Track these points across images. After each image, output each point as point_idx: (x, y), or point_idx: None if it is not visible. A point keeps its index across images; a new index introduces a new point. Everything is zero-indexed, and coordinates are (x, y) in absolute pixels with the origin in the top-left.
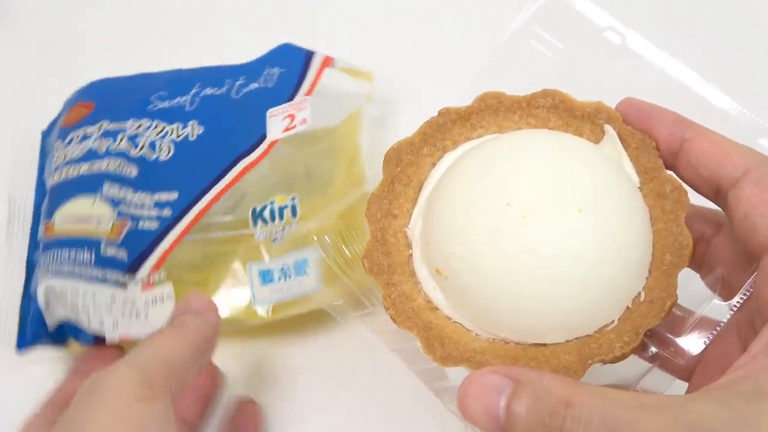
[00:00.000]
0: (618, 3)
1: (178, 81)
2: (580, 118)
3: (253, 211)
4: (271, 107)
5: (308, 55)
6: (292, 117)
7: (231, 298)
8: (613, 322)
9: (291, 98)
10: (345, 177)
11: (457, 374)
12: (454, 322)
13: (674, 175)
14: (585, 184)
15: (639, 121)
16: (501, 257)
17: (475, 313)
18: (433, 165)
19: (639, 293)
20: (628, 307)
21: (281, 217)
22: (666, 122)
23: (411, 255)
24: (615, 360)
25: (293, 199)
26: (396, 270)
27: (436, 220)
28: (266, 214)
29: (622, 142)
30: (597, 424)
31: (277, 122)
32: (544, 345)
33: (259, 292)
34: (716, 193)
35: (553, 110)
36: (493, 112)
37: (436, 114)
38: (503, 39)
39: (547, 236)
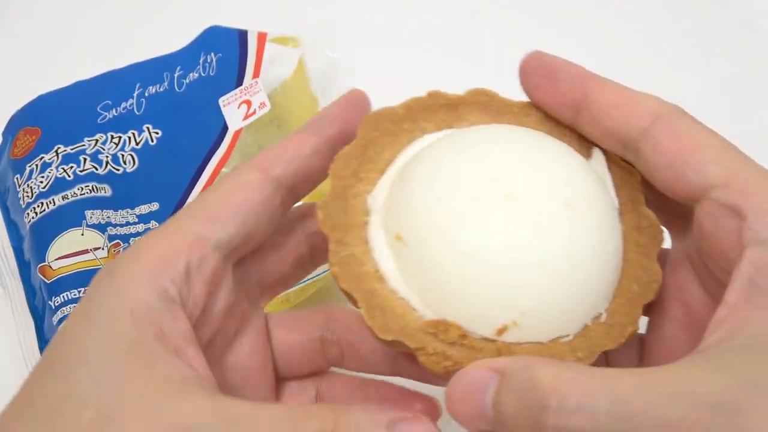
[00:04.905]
0: None
1: (116, 84)
2: (568, 136)
3: None
4: (220, 96)
5: (242, 36)
6: (248, 103)
7: None
8: (569, 335)
9: (239, 83)
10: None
11: None
12: (400, 297)
13: (652, 213)
14: (575, 183)
15: (542, 76)
16: (474, 231)
17: (427, 287)
18: (410, 142)
19: (600, 314)
20: (586, 325)
21: None
22: (569, 76)
23: (367, 222)
24: None
25: None
26: (350, 231)
27: (410, 184)
28: None
29: (609, 171)
30: (605, 415)
31: (233, 110)
32: (492, 341)
33: None
34: (624, 146)
35: (544, 122)
36: (483, 107)
37: (425, 95)
38: None
39: (527, 221)
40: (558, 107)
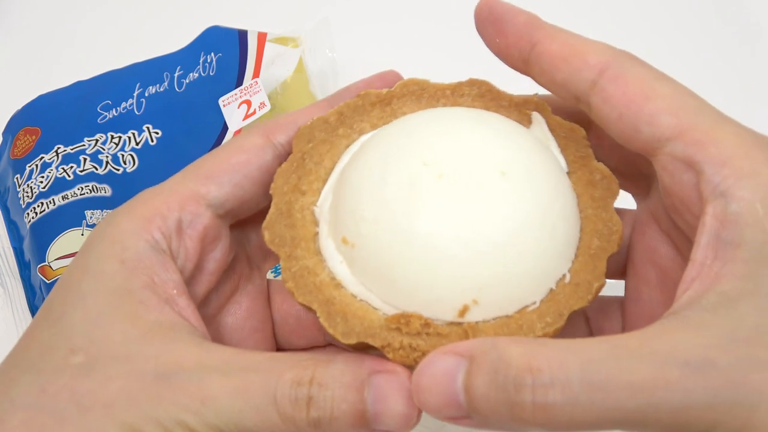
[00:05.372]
0: None
1: (116, 84)
2: (506, 108)
3: None
4: (220, 96)
5: (242, 36)
6: (248, 103)
7: None
8: (534, 303)
9: (239, 83)
10: None
11: None
12: (360, 300)
13: (604, 165)
14: (509, 149)
15: (491, 24)
16: (413, 218)
17: (383, 285)
18: (348, 146)
19: (564, 275)
20: (551, 289)
21: None
22: (516, 24)
23: (317, 233)
24: None
25: None
26: (299, 244)
27: (347, 186)
28: None
29: (551, 132)
30: (578, 384)
31: (233, 111)
32: (459, 324)
33: None
34: (577, 99)
35: (479, 99)
36: (416, 98)
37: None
38: None
39: (465, 196)
40: (509, 60)
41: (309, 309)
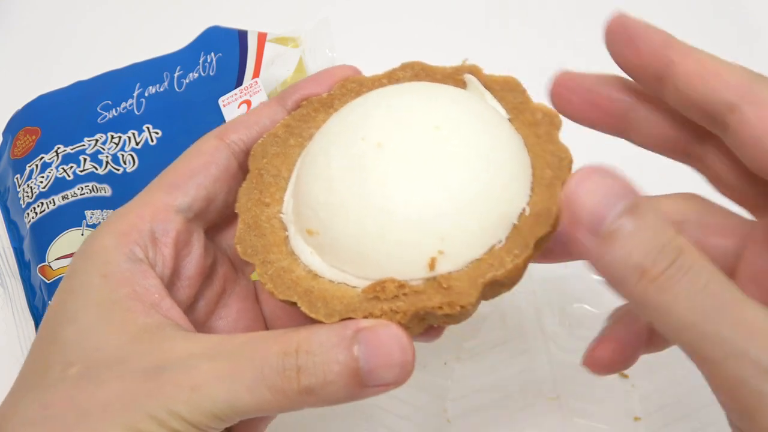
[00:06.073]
0: None
1: (116, 84)
2: (440, 80)
3: None
4: (220, 96)
5: (242, 36)
6: (248, 103)
7: None
8: (500, 241)
9: (239, 83)
10: None
11: None
12: (338, 284)
13: (542, 104)
14: (440, 105)
15: (624, 42)
16: (363, 190)
17: (353, 261)
18: (300, 154)
19: (524, 209)
20: (514, 225)
21: None
22: (652, 43)
23: (287, 237)
24: (509, 275)
25: None
26: (272, 249)
27: (300, 183)
28: None
29: (487, 89)
30: (707, 277)
31: (233, 111)
32: (432, 278)
33: None
34: (712, 120)
35: (414, 78)
36: (356, 94)
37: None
38: None
39: (407, 157)
40: (640, 77)
41: (291, 304)
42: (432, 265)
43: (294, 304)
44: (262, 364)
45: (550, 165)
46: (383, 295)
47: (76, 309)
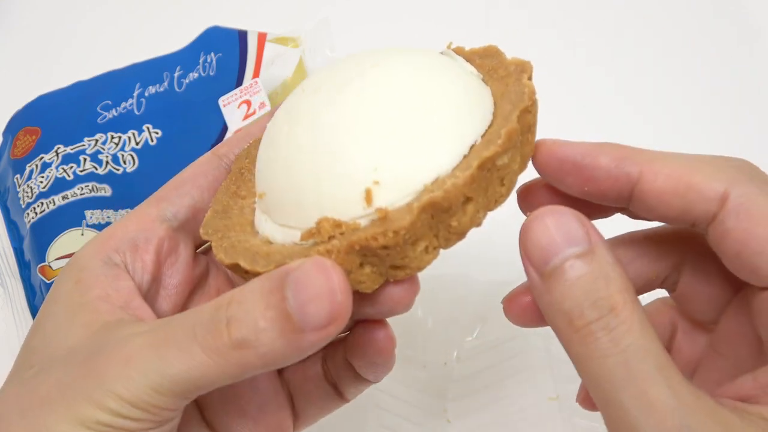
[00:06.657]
0: None
1: (116, 84)
2: None
3: None
4: (220, 96)
5: (242, 36)
6: (248, 103)
7: None
8: (447, 171)
9: (239, 83)
10: None
11: None
12: (289, 244)
13: (513, 58)
14: (390, 53)
15: (569, 175)
16: (293, 135)
17: (294, 213)
18: None
19: (476, 140)
20: (465, 156)
21: None
22: (603, 167)
23: (254, 220)
24: (448, 197)
25: None
26: (234, 228)
27: (257, 159)
28: None
29: (468, 62)
30: (629, 342)
31: (233, 111)
32: (371, 213)
33: None
34: (693, 227)
35: None
36: None
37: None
38: None
39: (339, 94)
40: (601, 200)
41: (237, 267)
42: (369, 197)
43: (238, 266)
44: (194, 323)
45: (511, 101)
46: (319, 237)
47: (47, 315)
